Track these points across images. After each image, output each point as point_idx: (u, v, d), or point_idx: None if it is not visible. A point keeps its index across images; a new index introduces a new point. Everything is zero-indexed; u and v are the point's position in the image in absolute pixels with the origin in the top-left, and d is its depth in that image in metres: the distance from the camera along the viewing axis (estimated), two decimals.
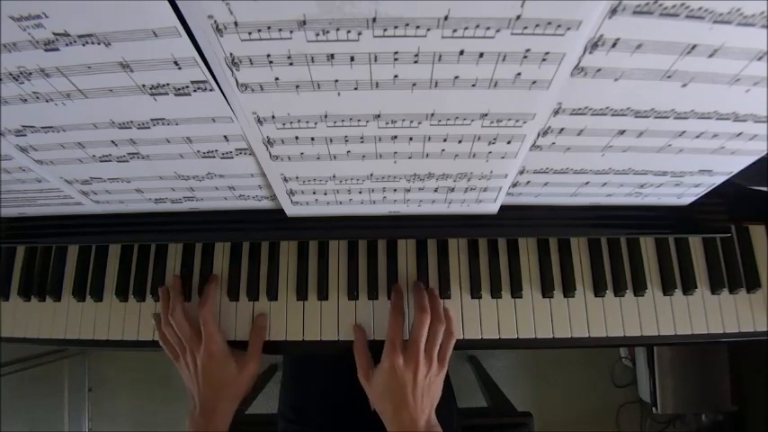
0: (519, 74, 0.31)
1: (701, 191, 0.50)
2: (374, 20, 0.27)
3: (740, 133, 0.38)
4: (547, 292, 0.56)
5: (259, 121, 0.37)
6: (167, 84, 0.33)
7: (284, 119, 0.36)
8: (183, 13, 0.27)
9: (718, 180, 0.47)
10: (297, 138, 0.39)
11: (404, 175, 0.45)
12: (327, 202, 0.50)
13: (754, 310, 0.56)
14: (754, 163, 0.43)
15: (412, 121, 0.37)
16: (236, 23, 0.27)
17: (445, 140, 0.39)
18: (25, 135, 0.39)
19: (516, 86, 0.33)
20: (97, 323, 0.59)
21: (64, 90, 0.33)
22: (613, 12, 0.27)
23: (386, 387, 0.49)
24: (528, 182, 0.48)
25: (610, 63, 0.31)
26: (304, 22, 0.27)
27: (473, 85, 0.33)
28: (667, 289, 0.56)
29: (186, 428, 0.52)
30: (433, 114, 0.36)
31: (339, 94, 0.33)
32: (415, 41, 0.29)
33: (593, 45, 0.29)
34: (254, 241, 0.59)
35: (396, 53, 0.30)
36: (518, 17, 0.27)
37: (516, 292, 0.56)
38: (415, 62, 0.30)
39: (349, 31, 0.28)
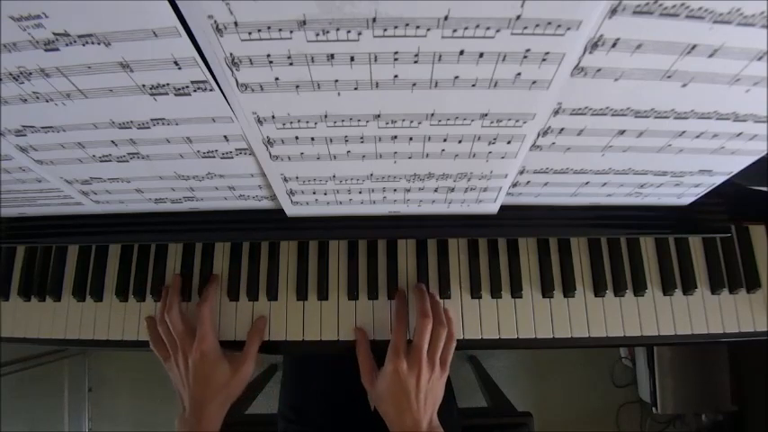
0: (519, 74, 0.31)
1: (701, 191, 0.50)
2: (374, 20, 0.27)
3: (740, 133, 0.38)
4: (547, 292, 0.56)
5: (259, 121, 0.37)
6: (167, 84, 0.33)
7: (284, 119, 0.36)
8: (182, 13, 0.27)
9: (718, 180, 0.47)
10: (297, 138, 0.39)
11: (404, 175, 0.45)
12: (327, 202, 0.50)
13: (754, 310, 0.56)
14: (754, 163, 0.43)
15: (412, 121, 0.37)
16: (236, 23, 0.27)
17: (445, 140, 0.39)
18: (25, 135, 0.39)
19: (516, 86, 0.33)
20: (97, 323, 0.59)
21: (64, 90, 0.33)
22: (613, 12, 0.27)
23: (390, 391, 0.49)
24: (528, 182, 0.48)
25: (610, 63, 0.31)
26: (304, 22, 0.27)
27: (473, 85, 0.33)
28: (667, 289, 0.56)
29: (176, 430, 0.51)
30: (433, 114, 0.36)
31: (339, 94, 0.33)
32: (415, 41, 0.29)
33: (594, 45, 0.29)
34: (254, 241, 0.59)
35: (396, 53, 0.30)
36: (518, 17, 0.27)
37: (516, 292, 0.56)
38: (415, 62, 0.30)
39: (349, 31, 0.28)
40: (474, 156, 0.41)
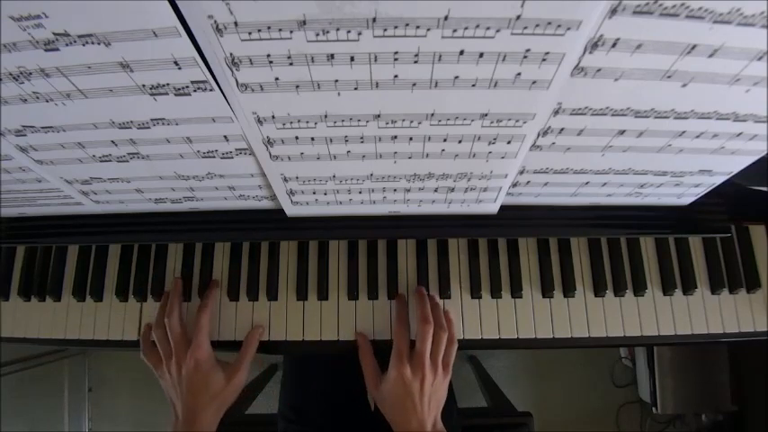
0: (519, 74, 0.31)
1: (701, 191, 0.50)
2: (374, 20, 0.27)
3: (740, 133, 0.38)
4: (547, 292, 0.56)
5: (259, 121, 0.37)
6: (167, 84, 0.33)
7: (284, 119, 0.36)
8: (183, 13, 0.27)
9: (718, 180, 0.47)
10: (297, 138, 0.39)
11: (404, 175, 0.45)
12: (327, 202, 0.50)
13: (754, 310, 0.56)
14: (754, 163, 0.43)
15: (412, 121, 0.37)
16: (236, 23, 0.27)
17: (445, 140, 0.39)
18: (25, 135, 0.39)
19: (516, 86, 0.33)
20: (97, 323, 0.59)
21: (64, 90, 0.33)
22: (613, 12, 0.27)
23: (394, 396, 0.50)
24: (528, 182, 0.48)
25: (610, 63, 0.31)
26: (304, 22, 0.27)
27: (473, 85, 0.33)
28: (667, 289, 0.56)
29: None
30: (433, 114, 0.36)
31: (339, 94, 0.33)
32: (415, 41, 0.29)
33: (594, 45, 0.29)
34: (254, 241, 0.59)
35: (396, 53, 0.30)
36: (518, 17, 0.27)
37: (516, 292, 0.56)
38: (415, 62, 0.30)
39: (349, 31, 0.28)
40: (474, 156, 0.41)
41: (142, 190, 0.48)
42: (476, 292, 0.57)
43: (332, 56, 0.30)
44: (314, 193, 0.48)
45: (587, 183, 0.48)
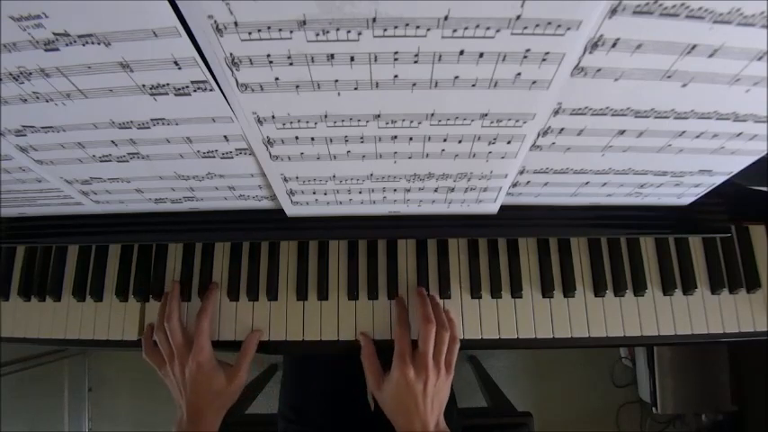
0: (519, 74, 0.31)
1: (701, 191, 0.50)
2: (374, 20, 0.27)
3: (740, 133, 0.38)
4: (547, 292, 0.56)
5: (259, 121, 0.37)
6: (167, 84, 0.33)
7: (284, 119, 0.36)
8: (182, 13, 0.27)
9: (718, 180, 0.47)
10: (297, 138, 0.39)
11: (404, 175, 0.45)
12: (327, 202, 0.50)
13: (754, 310, 0.56)
14: (754, 163, 0.43)
15: (412, 122, 0.37)
16: (236, 23, 0.27)
17: (445, 140, 0.39)
18: (25, 135, 0.39)
19: (516, 86, 0.33)
20: (97, 323, 0.59)
21: (64, 90, 0.33)
22: (613, 12, 0.27)
23: (398, 397, 0.50)
24: (528, 182, 0.48)
25: (610, 63, 0.31)
26: (304, 22, 0.27)
27: (473, 85, 0.33)
28: (667, 289, 0.56)
29: None
30: (433, 114, 0.36)
31: (339, 94, 0.33)
32: (415, 41, 0.29)
33: (594, 45, 0.29)
34: (254, 241, 0.59)
35: (396, 53, 0.30)
36: (518, 17, 0.27)
37: (516, 292, 0.56)
38: (415, 62, 0.30)
39: (349, 31, 0.28)
40: (474, 156, 0.41)
41: (142, 190, 0.48)
42: (476, 292, 0.57)
43: (332, 56, 0.30)
44: (314, 193, 0.48)
45: (587, 183, 0.48)
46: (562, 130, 0.38)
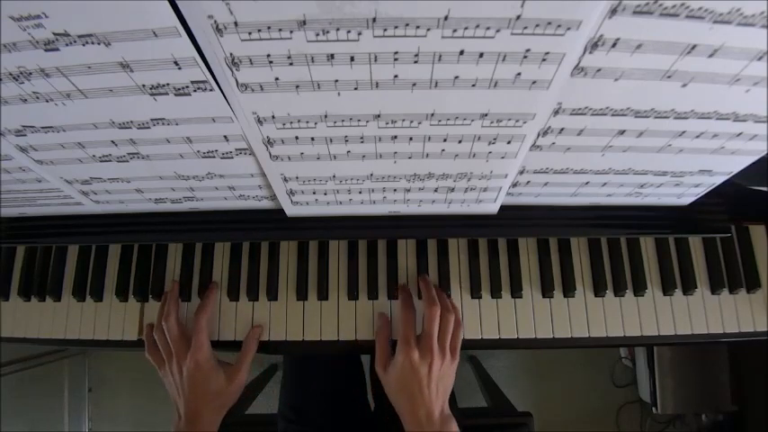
0: (519, 74, 0.31)
1: (701, 191, 0.50)
2: (374, 20, 0.27)
3: (740, 133, 0.38)
4: (547, 292, 0.56)
5: (259, 121, 0.37)
6: (167, 84, 0.33)
7: (284, 119, 0.36)
8: (182, 13, 0.27)
9: (718, 180, 0.47)
10: (297, 138, 0.39)
11: (404, 175, 0.45)
12: (327, 202, 0.50)
13: (754, 310, 0.56)
14: (754, 163, 0.43)
15: (412, 121, 0.37)
16: (236, 23, 0.27)
17: (445, 140, 0.39)
18: (25, 135, 0.39)
19: (516, 86, 0.33)
20: (97, 323, 0.59)
21: (64, 90, 0.33)
22: (613, 12, 0.27)
23: (402, 381, 0.49)
24: (528, 182, 0.48)
25: (610, 63, 0.31)
26: (304, 22, 0.27)
27: (473, 85, 0.33)
28: (667, 289, 0.56)
29: None
30: (433, 114, 0.36)
31: (339, 94, 0.33)
32: (415, 41, 0.29)
33: (594, 45, 0.29)
34: (254, 241, 0.59)
35: (396, 53, 0.30)
36: (518, 17, 0.27)
37: (516, 292, 0.56)
38: (415, 62, 0.30)
39: (349, 31, 0.28)
40: (474, 156, 0.41)
41: (142, 190, 0.48)
42: (476, 292, 0.57)
43: (332, 56, 0.30)
44: (314, 193, 0.48)
45: (587, 183, 0.48)
46: (562, 130, 0.38)
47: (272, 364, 1.28)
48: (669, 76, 0.32)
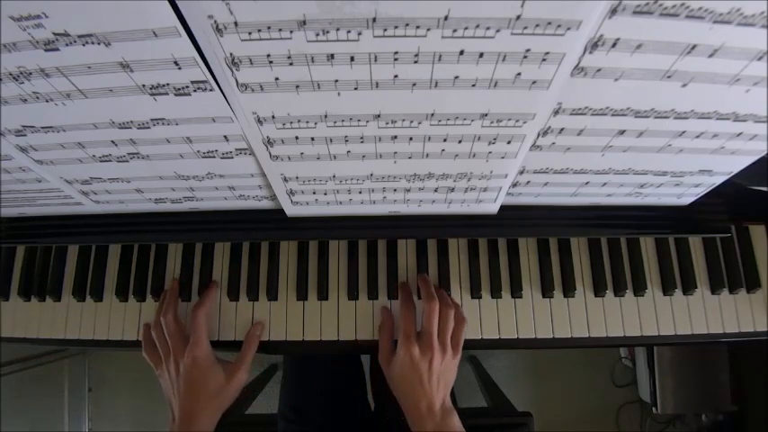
0: (519, 74, 0.31)
1: (701, 191, 0.50)
2: (374, 20, 0.27)
3: (740, 133, 0.38)
4: (547, 292, 0.56)
5: (259, 121, 0.37)
6: (167, 84, 0.33)
7: (284, 119, 0.36)
8: (182, 13, 0.27)
9: (718, 180, 0.47)
10: (297, 138, 0.39)
11: (404, 175, 0.45)
12: (327, 202, 0.50)
13: (754, 310, 0.56)
14: (754, 163, 0.43)
15: (412, 122, 0.37)
16: (236, 23, 0.27)
17: (445, 140, 0.39)
18: (25, 135, 0.39)
19: (516, 86, 0.33)
20: (97, 323, 0.59)
21: (64, 90, 0.33)
22: (613, 12, 0.27)
23: (403, 376, 0.50)
24: (528, 182, 0.48)
25: (610, 63, 0.31)
26: (304, 22, 0.27)
27: (473, 85, 0.33)
28: (667, 289, 0.56)
29: None
30: (433, 114, 0.36)
31: (339, 94, 0.33)
32: (415, 41, 0.29)
33: (594, 45, 0.29)
34: (254, 241, 0.59)
35: (396, 53, 0.30)
36: (518, 17, 0.27)
37: (516, 292, 0.56)
38: (415, 62, 0.30)
39: (349, 31, 0.28)
40: (474, 156, 0.41)
41: (142, 190, 0.48)
42: (476, 292, 0.57)
43: (332, 56, 0.30)
44: (314, 193, 0.48)
45: (587, 183, 0.48)
46: (562, 130, 0.38)
47: (272, 364, 1.28)
48: (669, 77, 0.32)
